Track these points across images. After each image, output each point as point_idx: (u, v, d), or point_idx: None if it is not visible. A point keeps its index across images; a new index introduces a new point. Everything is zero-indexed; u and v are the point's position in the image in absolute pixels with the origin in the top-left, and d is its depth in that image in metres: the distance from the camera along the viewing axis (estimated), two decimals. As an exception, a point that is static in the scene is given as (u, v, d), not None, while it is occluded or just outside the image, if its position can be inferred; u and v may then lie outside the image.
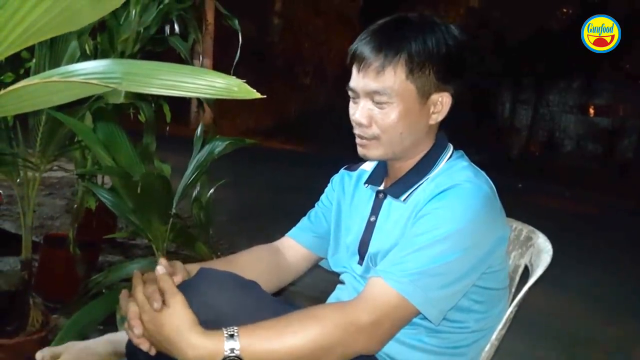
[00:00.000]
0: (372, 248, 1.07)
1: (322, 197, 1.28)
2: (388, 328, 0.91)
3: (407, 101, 1.00)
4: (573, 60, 9.53)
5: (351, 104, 1.07)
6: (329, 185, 1.27)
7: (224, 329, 0.85)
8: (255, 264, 1.17)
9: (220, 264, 1.13)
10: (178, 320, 0.85)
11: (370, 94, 1.01)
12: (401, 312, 0.91)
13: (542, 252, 1.03)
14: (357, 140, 1.06)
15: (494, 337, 0.99)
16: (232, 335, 0.84)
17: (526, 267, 1.11)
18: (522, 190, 7.11)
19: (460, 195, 0.95)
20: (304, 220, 1.28)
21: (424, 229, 0.94)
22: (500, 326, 0.97)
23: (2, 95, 0.63)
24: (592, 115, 10.96)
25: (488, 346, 1.00)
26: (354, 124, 1.05)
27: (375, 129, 1.02)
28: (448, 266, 0.91)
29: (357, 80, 1.02)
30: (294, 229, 1.28)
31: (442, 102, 1.04)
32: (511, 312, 0.98)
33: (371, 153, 1.05)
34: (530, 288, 0.97)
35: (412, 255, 0.92)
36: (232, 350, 0.83)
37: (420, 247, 0.92)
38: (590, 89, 10.73)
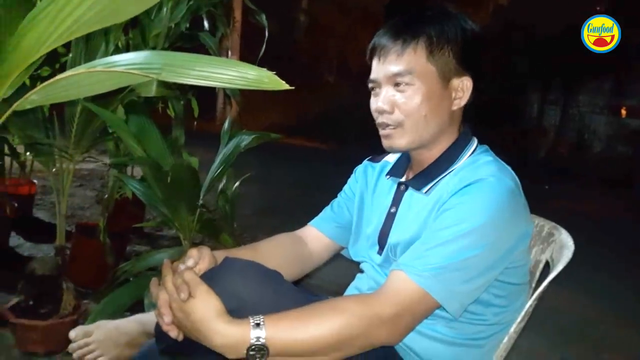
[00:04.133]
0: (391, 239, 1.08)
1: (345, 187, 1.29)
2: (409, 321, 0.93)
3: (429, 83, 1.02)
4: (604, 59, 9.34)
5: (372, 98, 1.08)
6: (352, 176, 1.29)
7: (250, 317, 0.87)
8: (278, 252, 1.20)
9: (245, 252, 1.16)
10: (204, 309, 0.88)
11: (392, 78, 1.03)
12: (423, 305, 0.92)
13: (563, 247, 1.02)
14: (381, 132, 1.07)
15: (512, 329, 0.99)
16: (258, 324, 0.86)
17: (547, 263, 1.11)
18: (548, 192, 7.01)
19: (484, 190, 0.95)
20: (326, 210, 1.30)
21: (447, 224, 0.94)
22: (519, 319, 0.98)
23: (51, 84, 0.68)
24: (623, 116, 10.72)
25: (506, 339, 1.00)
26: (376, 115, 1.06)
27: (399, 115, 1.03)
28: (470, 261, 0.92)
29: (378, 69, 1.05)
30: (316, 219, 1.30)
31: (462, 88, 1.05)
32: (530, 305, 0.98)
33: (397, 142, 1.05)
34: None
35: (434, 250, 0.93)
36: (257, 338, 0.85)
37: (442, 242, 0.93)
38: (622, 89, 10.49)
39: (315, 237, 1.27)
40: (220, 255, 1.07)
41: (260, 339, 0.85)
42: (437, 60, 1.02)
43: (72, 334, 1.13)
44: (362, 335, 0.89)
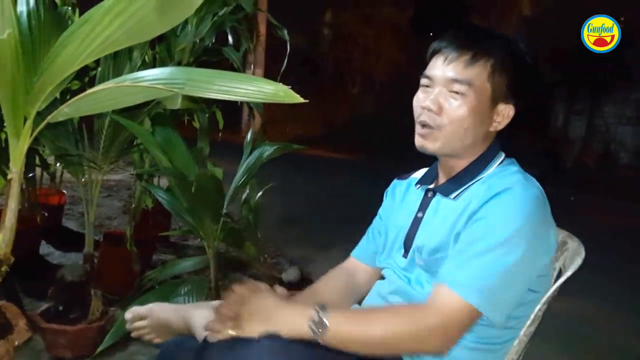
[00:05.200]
0: (417, 241, 1.11)
1: (379, 211, 1.33)
2: (456, 333, 0.96)
3: (480, 100, 1.06)
4: (630, 69, 9.21)
5: (419, 93, 1.11)
6: (384, 199, 1.33)
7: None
8: (333, 289, 1.27)
9: (305, 294, 1.24)
10: (270, 297, 0.98)
11: (451, 83, 1.06)
12: (467, 318, 0.96)
13: (575, 255, 1.05)
14: (419, 130, 1.10)
15: (522, 333, 1.02)
16: (322, 307, 0.94)
17: (561, 271, 1.11)
18: (574, 203, 6.90)
19: (513, 198, 0.98)
20: (363, 240, 1.34)
21: (481, 234, 0.98)
22: (528, 322, 1.00)
23: (82, 97, 0.73)
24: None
25: (516, 342, 1.02)
26: (420, 110, 1.09)
27: (443, 118, 1.07)
28: (509, 269, 0.95)
29: (440, 68, 1.07)
30: (356, 249, 1.34)
31: (504, 114, 1.09)
32: (539, 309, 1.01)
33: (429, 145, 1.09)
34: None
35: (474, 262, 0.96)
36: (319, 316, 0.92)
37: (480, 252, 0.96)
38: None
39: (359, 267, 1.31)
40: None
41: (323, 318, 0.92)
42: (496, 82, 1.06)
43: (128, 315, 1.17)
44: (411, 343, 0.95)
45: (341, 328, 0.93)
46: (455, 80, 1.05)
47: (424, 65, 1.14)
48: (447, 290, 0.95)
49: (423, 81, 1.11)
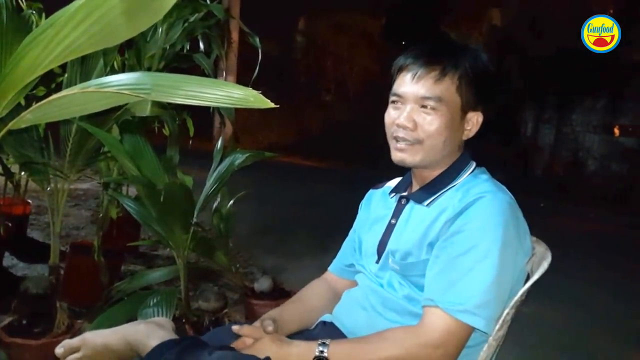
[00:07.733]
0: (390, 246, 1.13)
1: (354, 224, 1.33)
2: (455, 350, 0.99)
3: (452, 112, 1.08)
4: (598, 79, 9.47)
5: (391, 110, 1.12)
6: (359, 211, 1.34)
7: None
8: (317, 298, 1.30)
9: (293, 305, 1.27)
10: (272, 341, 1.04)
11: (422, 99, 1.07)
12: (465, 335, 0.99)
13: (542, 260, 1.08)
14: (397, 145, 1.11)
15: (491, 338, 1.03)
16: (324, 343, 1.00)
17: (529, 276, 1.13)
18: (544, 210, 7.04)
19: (488, 207, 1.01)
20: (339, 254, 1.35)
21: (463, 248, 1.00)
22: (497, 327, 1.01)
23: (45, 104, 0.70)
24: (617, 135, 10.81)
25: (485, 346, 1.04)
26: (395, 128, 1.10)
27: (420, 134, 1.08)
28: (496, 280, 0.97)
29: (409, 86, 1.09)
30: (332, 264, 1.35)
31: (474, 122, 1.12)
32: (507, 313, 1.02)
33: (410, 158, 1.10)
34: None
35: (463, 281, 0.98)
36: (321, 352, 0.99)
37: (467, 270, 0.98)
38: (616, 109, 10.60)
39: (337, 281, 1.33)
40: (275, 314, 1.19)
41: (324, 353, 0.99)
42: (464, 92, 1.08)
43: (59, 350, 1.11)
44: None
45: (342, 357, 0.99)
46: (427, 98, 1.07)
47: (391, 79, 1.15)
48: (441, 312, 0.98)
49: (393, 98, 1.12)
